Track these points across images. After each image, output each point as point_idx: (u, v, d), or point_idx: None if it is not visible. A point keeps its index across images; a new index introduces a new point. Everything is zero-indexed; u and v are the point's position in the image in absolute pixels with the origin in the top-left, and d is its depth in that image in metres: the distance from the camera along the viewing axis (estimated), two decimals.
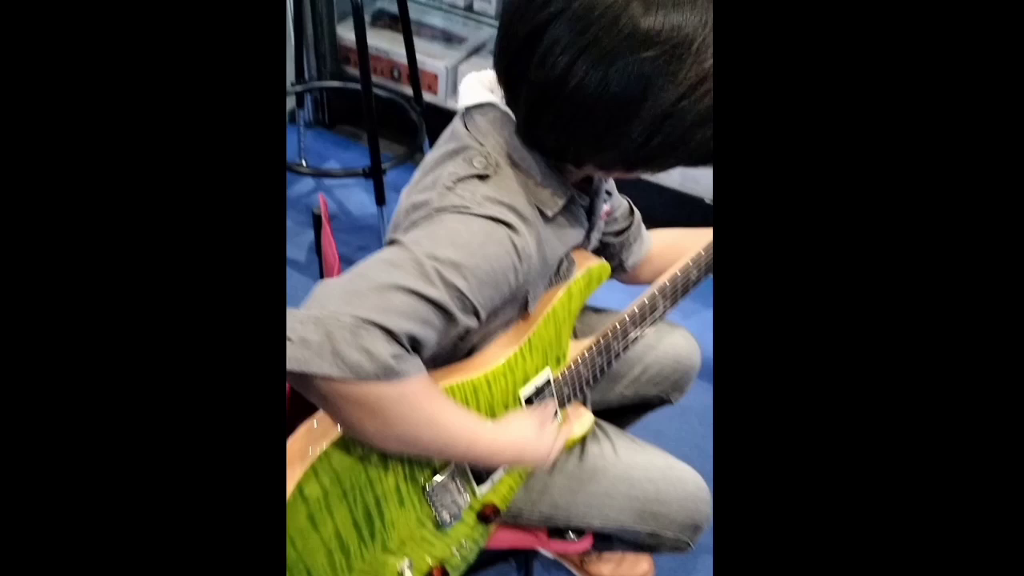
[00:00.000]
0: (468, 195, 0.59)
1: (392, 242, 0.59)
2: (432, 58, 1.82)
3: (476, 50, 1.90)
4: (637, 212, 0.90)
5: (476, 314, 0.59)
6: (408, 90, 1.75)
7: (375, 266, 0.56)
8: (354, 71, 1.90)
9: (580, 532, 0.84)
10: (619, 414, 1.03)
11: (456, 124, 0.66)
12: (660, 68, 0.51)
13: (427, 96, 1.81)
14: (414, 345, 0.55)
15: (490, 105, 0.64)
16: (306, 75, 1.86)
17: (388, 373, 0.52)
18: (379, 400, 0.54)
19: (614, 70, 0.51)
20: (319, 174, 1.84)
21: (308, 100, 2.03)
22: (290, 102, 1.97)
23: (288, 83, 1.88)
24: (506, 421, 0.68)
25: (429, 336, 0.56)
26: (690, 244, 0.79)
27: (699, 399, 1.07)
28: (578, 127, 0.56)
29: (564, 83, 0.53)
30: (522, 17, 0.55)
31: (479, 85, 0.66)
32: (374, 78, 1.91)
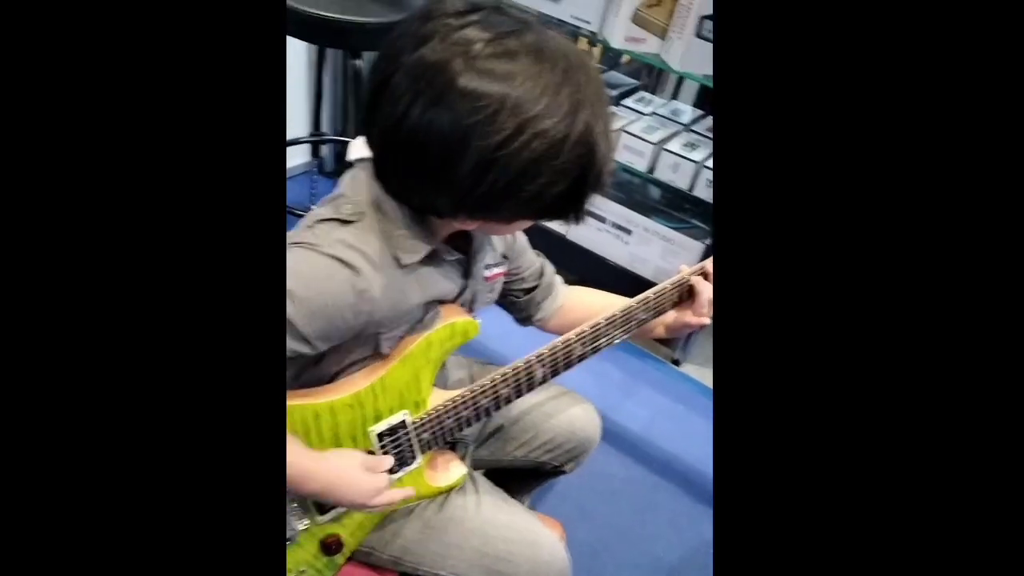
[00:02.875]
0: (323, 235, 0.66)
1: None
2: None
3: None
4: (549, 271, 0.95)
5: (307, 341, 0.65)
6: None
7: None
8: None
9: None
10: (516, 478, 1.05)
11: (344, 175, 0.74)
12: (476, 120, 0.57)
13: None
14: None
15: (369, 160, 0.71)
16: (323, 127, 2.01)
17: None
18: None
19: (439, 115, 0.58)
20: None
21: (329, 151, 2.18)
22: (306, 151, 2.13)
23: (307, 133, 2.03)
24: (328, 453, 0.72)
25: None
26: (597, 307, 0.84)
27: (599, 466, 1.08)
28: (414, 168, 0.63)
29: (400, 126, 0.60)
30: (375, 71, 0.63)
31: (364, 143, 0.73)
32: None
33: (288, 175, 2.16)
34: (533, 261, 0.93)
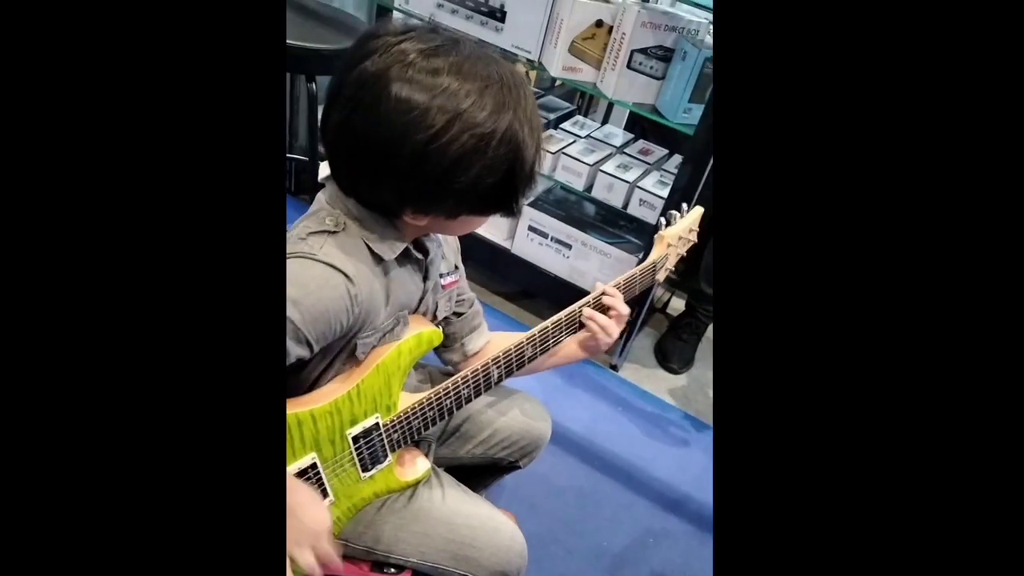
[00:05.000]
0: (316, 245, 0.74)
1: None
2: None
3: None
4: (478, 306, 1.04)
5: (308, 345, 0.73)
6: None
7: None
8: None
9: (400, 569, 0.93)
10: (475, 474, 1.14)
11: (319, 193, 0.82)
12: (408, 118, 0.67)
13: None
14: None
15: None
16: None
17: None
18: None
19: (377, 117, 0.67)
20: None
21: None
22: None
23: None
24: (297, 482, 0.76)
25: None
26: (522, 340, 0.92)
27: (546, 466, 1.18)
28: (358, 164, 0.72)
29: (346, 128, 0.70)
30: (330, 84, 0.73)
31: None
32: None
33: None
34: (467, 289, 1.02)
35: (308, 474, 0.81)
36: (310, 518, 0.70)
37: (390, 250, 0.78)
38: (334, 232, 0.75)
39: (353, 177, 0.75)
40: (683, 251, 1.05)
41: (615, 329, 0.94)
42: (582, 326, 0.94)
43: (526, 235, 1.90)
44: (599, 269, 1.84)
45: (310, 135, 1.57)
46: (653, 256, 1.01)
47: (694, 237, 1.04)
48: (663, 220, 1.03)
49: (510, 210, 0.77)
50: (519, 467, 1.13)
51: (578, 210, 1.95)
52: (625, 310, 0.94)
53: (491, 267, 1.98)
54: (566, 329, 0.93)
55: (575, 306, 0.93)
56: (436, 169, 0.68)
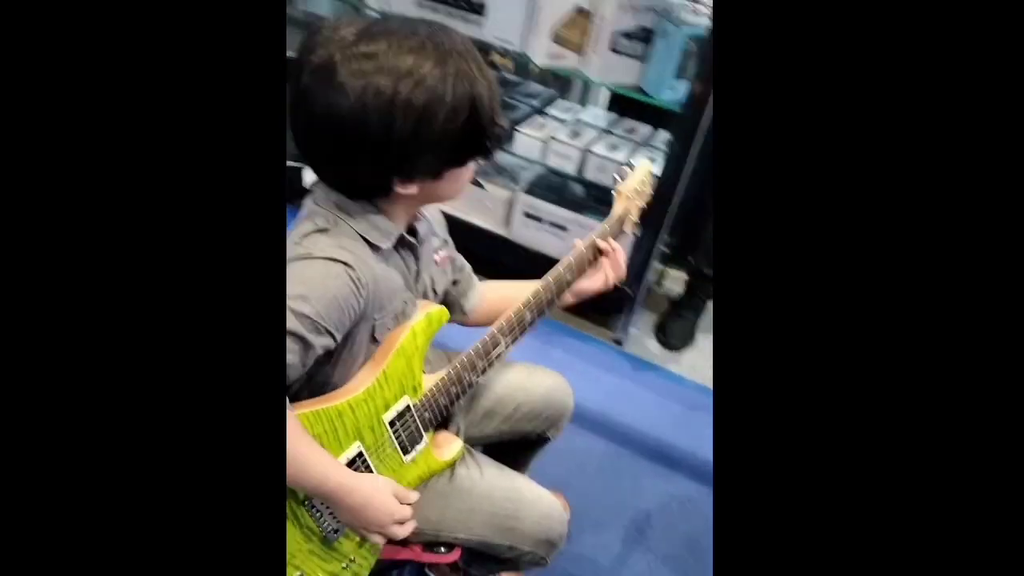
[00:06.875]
0: (311, 245, 0.77)
1: None
2: None
3: None
4: (467, 265, 1.08)
5: (329, 334, 0.75)
6: None
7: None
8: None
9: (450, 547, 0.97)
10: (509, 453, 1.17)
11: (306, 199, 0.84)
12: (362, 89, 0.69)
13: None
14: None
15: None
16: None
17: None
18: None
19: (336, 99, 0.70)
20: None
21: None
22: None
23: None
24: (367, 475, 0.84)
25: (292, 361, 0.72)
26: (516, 292, 0.97)
27: (563, 443, 1.21)
28: (333, 149, 0.75)
29: (313, 119, 0.73)
30: (290, 84, 0.75)
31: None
32: None
33: None
34: (457, 254, 1.05)
35: (356, 463, 0.85)
36: (380, 503, 0.81)
37: (385, 238, 0.81)
38: (326, 230, 0.78)
39: (334, 166, 0.78)
40: (642, 203, 1.09)
41: (621, 261, 1.01)
42: (573, 280, 0.99)
43: (522, 221, 1.93)
44: None
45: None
46: (618, 211, 1.04)
47: (648, 189, 1.09)
48: (617, 176, 1.07)
49: (486, 151, 0.80)
50: (548, 439, 1.17)
51: (570, 192, 1.99)
52: (617, 245, 1.00)
53: (490, 255, 2.01)
54: (555, 291, 0.98)
55: (556, 269, 0.97)
56: (405, 129, 0.72)
